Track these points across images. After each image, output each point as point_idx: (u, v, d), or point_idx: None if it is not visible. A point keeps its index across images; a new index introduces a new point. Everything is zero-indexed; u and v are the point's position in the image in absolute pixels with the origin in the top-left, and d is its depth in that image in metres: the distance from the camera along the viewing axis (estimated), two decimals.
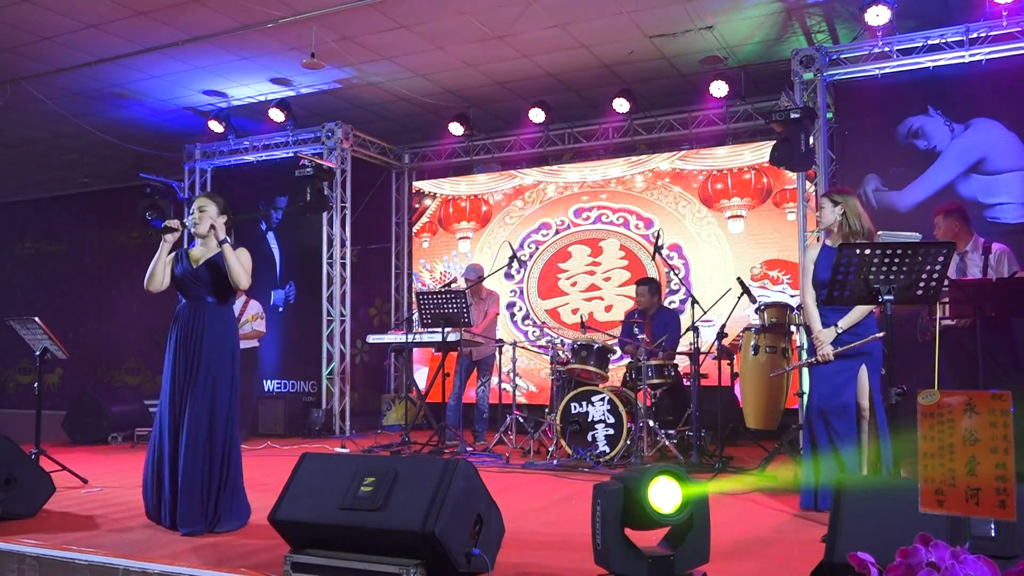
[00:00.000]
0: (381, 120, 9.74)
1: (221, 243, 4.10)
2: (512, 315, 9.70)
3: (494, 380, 7.77)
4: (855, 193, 4.49)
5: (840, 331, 4.24)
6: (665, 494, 2.82)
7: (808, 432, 4.40)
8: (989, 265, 5.28)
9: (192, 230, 4.17)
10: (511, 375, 7.09)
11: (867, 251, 3.24)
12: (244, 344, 7.62)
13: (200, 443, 3.91)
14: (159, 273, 4.11)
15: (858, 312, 4.23)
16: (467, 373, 7.53)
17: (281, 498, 3.11)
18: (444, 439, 7.14)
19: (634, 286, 7.52)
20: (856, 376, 4.24)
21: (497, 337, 7.78)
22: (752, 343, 6.21)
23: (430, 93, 8.90)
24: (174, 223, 4.13)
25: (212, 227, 4.14)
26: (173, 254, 4.19)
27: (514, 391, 6.88)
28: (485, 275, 7.81)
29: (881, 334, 4.08)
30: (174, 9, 6.87)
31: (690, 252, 8.86)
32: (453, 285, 7.77)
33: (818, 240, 4.56)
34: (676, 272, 7.94)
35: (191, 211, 4.22)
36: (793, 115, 6.67)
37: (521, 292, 9.71)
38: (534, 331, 9.53)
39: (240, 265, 4.08)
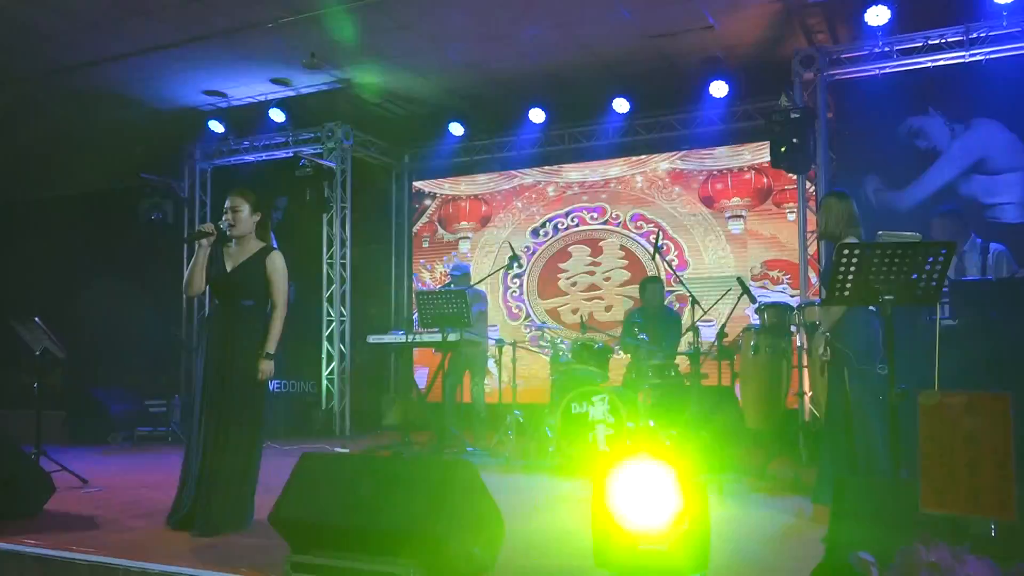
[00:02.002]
0: (381, 120, 9.74)
1: (266, 253, 4.08)
2: (514, 316, 9.70)
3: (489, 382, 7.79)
4: (844, 194, 4.49)
5: (822, 332, 4.32)
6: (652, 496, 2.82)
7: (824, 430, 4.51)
8: (987, 265, 5.28)
9: (228, 232, 4.02)
10: (505, 374, 7.09)
11: (867, 251, 3.24)
12: None
13: (237, 448, 3.90)
14: (197, 278, 3.97)
15: (833, 312, 4.27)
16: (461, 372, 7.50)
17: (281, 498, 3.11)
18: (444, 439, 7.13)
19: (638, 285, 7.52)
20: (842, 377, 4.30)
21: (497, 337, 7.78)
22: (752, 343, 6.20)
23: (430, 93, 8.90)
24: (208, 227, 4.00)
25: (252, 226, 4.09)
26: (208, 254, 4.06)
27: (514, 390, 6.87)
28: (472, 275, 7.82)
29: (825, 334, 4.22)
30: (174, 9, 6.87)
31: (690, 252, 8.86)
32: (453, 285, 7.77)
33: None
34: (676, 272, 7.94)
35: (224, 210, 4.05)
36: (793, 115, 6.67)
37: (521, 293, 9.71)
38: (533, 330, 9.53)
39: (280, 327, 4.10)
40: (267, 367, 4.04)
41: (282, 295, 4.10)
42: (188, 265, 4.05)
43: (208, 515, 3.80)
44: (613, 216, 9.31)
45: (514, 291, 9.74)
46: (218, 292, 4.06)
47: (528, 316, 9.63)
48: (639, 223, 9.21)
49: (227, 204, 4.06)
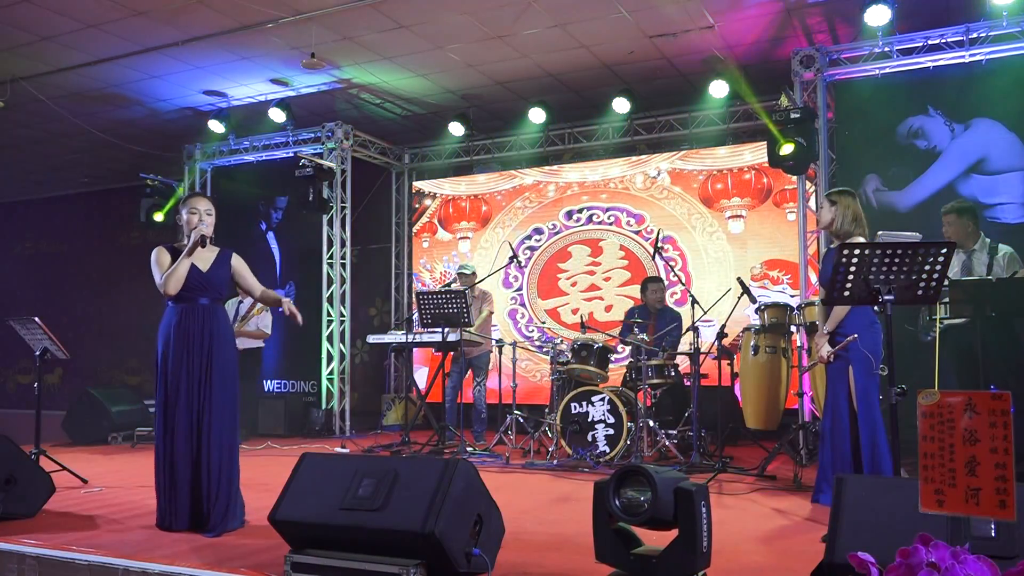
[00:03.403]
0: (381, 120, 9.74)
1: (228, 254, 4.29)
2: (516, 321, 9.70)
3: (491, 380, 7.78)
4: (855, 193, 4.51)
5: (826, 332, 4.31)
6: (634, 494, 2.82)
7: (824, 430, 4.47)
8: (996, 264, 5.26)
9: (206, 232, 4.14)
10: (506, 375, 7.09)
11: (867, 251, 3.24)
12: (249, 344, 7.63)
13: (226, 443, 4.05)
14: (184, 277, 4.08)
15: (837, 313, 4.27)
16: (462, 373, 7.52)
17: (281, 498, 3.11)
18: (444, 439, 7.14)
19: (638, 285, 7.52)
20: (847, 377, 4.29)
21: (497, 337, 7.78)
22: (752, 343, 6.21)
23: (430, 93, 8.90)
24: (207, 230, 4.15)
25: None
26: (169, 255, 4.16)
27: (514, 391, 6.87)
28: (477, 274, 7.84)
29: (852, 336, 4.18)
30: (174, 9, 6.87)
31: (690, 252, 8.86)
32: (453, 285, 7.79)
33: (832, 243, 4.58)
34: (676, 272, 7.95)
35: (192, 211, 4.16)
36: (793, 115, 6.68)
37: (522, 296, 9.71)
38: (536, 333, 9.53)
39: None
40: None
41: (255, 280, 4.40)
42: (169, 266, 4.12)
43: (218, 514, 3.91)
44: (617, 217, 9.29)
45: (515, 274, 9.75)
46: (192, 291, 4.12)
47: (520, 291, 9.63)
48: (584, 215, 9.29)
49: (200, 207, 4.19)
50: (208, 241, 4.15)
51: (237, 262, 4.32)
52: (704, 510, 2.78)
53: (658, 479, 2.79)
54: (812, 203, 7.36)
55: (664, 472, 2.88)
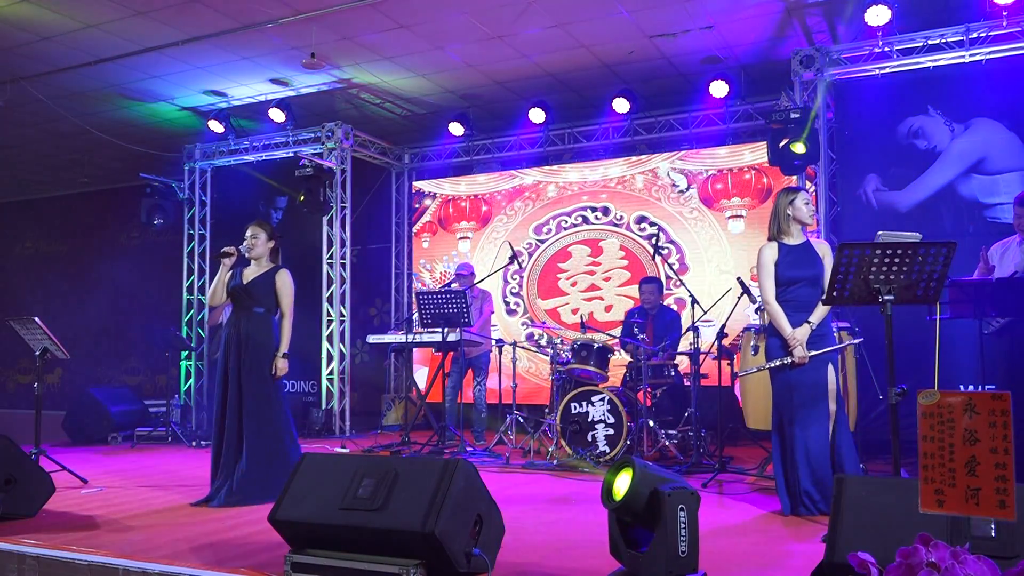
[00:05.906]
0: (381, 120, 9.74)
1: (276, 270, 4.93)
2: (511, 313, 9.70)
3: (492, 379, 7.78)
4: None
5: (813, 327, 4.21)
6: (622, 486, 2.84)
7: (779, 436, 4.30)
8: None
9: (247, 254, 4.91)
10: (506, 375, 7.09)
11: (867, 251, 3.24)
12: None
13: (258, 434, 4.70)
14: (220, 291, 4.88)
15: (824, 308, 4.22)
16: (462, 372, 7.52)
17: (281, 498, 3.11)
18: (444, 439, 7.14)
19: (637, 285, 7.53)
20: (826, 374, 4.23)
21: (497, 337, 7.78)
22: (752, 343, 6.19)
23: (430, 93, 8.90)
24: (231, 249, 4.88)
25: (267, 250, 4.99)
26: (231, 271, 4.90)
27: (514, 391, 6.87)
28: (477, 274, 7.84)
29: (859, 340, 4.13)
30: (174, 9, 6.87)
31: (690, 252, 8.86)
32: (453, 285, 7.79)
33: (775, 238, 4.50)
34: (676, 271, 7.95)
35: (244, 237, 4.92)
36: (793, 115, 6.68)
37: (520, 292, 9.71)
38: (536, 332, 9.53)
39: (290, 332, 4.92)
40: (282, 364, 4.83)
41: (290, 306, 4.93)
42: (211, 278, 4.63)
43: (231, 490, 4.59)
44: (617, 217, 9.29)
45: (513, 288, 9.74)
46: (236, 300, 4.89)
47: (525, 308, 9.63)
48: (642, 225, 9.18)
49: (247, 232, 4.95)
50: (232, 255, 4.86)
51: (279, 281, 4.91)
52: (682, 515, 2.72)
53: (638, 472, 2.78)
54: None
55: (655, 470, 2.86)
